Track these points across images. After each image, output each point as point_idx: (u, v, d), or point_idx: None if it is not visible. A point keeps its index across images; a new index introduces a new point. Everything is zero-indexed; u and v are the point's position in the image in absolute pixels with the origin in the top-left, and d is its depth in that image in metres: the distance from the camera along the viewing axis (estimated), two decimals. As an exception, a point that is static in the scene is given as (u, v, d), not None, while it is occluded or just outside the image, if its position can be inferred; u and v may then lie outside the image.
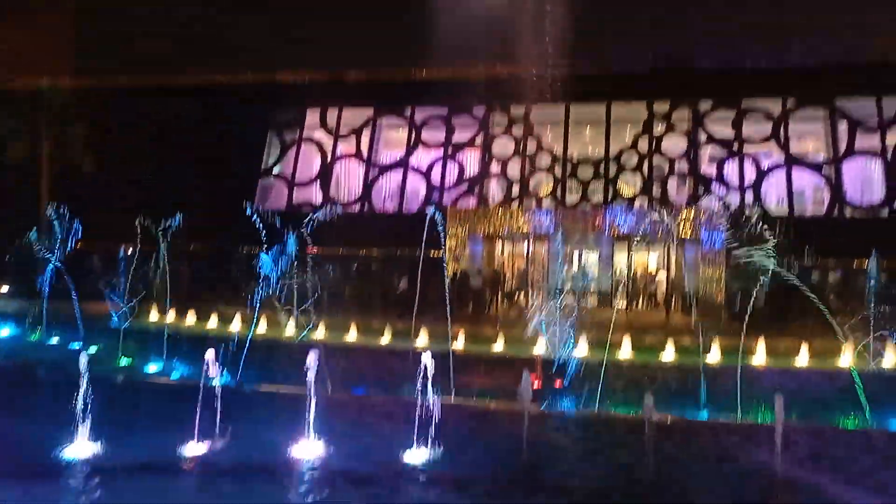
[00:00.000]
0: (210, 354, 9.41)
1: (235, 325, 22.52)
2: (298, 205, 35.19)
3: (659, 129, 32.89)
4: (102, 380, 9.62)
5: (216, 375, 9.45)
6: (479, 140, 34.52)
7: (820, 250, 28.07)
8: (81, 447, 9.28)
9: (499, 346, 20.10)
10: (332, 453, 9.43)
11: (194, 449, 9.41)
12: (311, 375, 9.27)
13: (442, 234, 18.45)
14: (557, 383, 14.42)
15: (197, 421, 9.44)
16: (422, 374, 9.48)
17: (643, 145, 32.71)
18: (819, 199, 33.48)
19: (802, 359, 18.66)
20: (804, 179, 32.31)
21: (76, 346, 18.33)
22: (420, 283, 23.87)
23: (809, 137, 34.18)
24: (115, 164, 33.96)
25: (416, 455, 9.47)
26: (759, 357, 18.62)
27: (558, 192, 32.98)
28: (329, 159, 35.71)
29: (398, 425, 10.02)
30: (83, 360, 9.41)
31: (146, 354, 16.37)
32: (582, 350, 19.61)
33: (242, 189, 34.94)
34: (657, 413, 10.12)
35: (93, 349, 17.50)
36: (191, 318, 23.34)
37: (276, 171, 36.21)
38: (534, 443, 9.93)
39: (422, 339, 20.50)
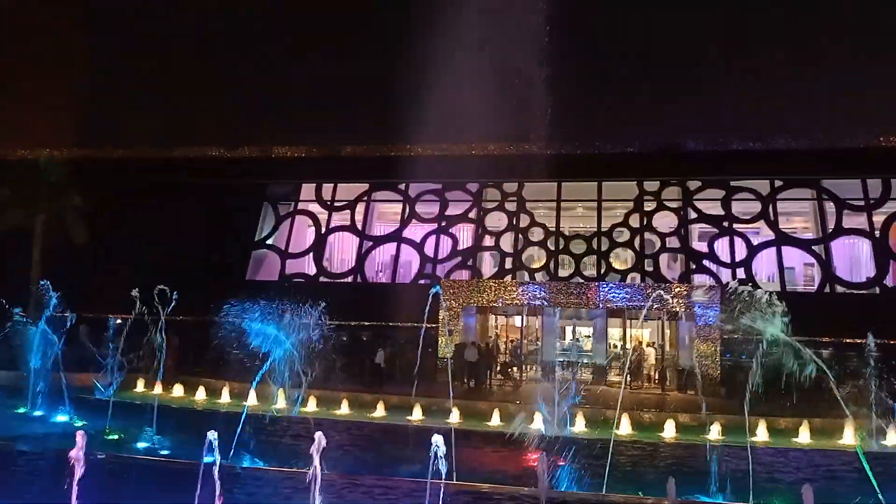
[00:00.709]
0: (213, 435, 9.07)
1: (224, 398, 22.04)
2: (290, 276, 35.14)
3: (649, 206, 33.41)
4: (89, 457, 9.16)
5: (218, 456, 9.08)
6: (472, 214, 34.87)
7: (813, 327, 28.33)
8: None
9: (496, 421, 19.68)
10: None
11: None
12: (316, 457, 8.90)
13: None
14: (560, 461, 14.06)
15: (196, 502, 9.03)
16: (433, 456, 9.09)
17: (634, 222, 33.14)
18: (809, 276, 33.83)
19: (804, 437, 18.42)
20: (794, 257, 32.70)
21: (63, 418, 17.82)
22: (419, 356, 23.77)
23: (798, 217, 34.84)
24: (110, 236, 33.94)
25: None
26: (762, 435, 18.33)
27: (551, 266, 33.11)
28: (323, 231, 35.86)
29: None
30: (80, 439, 8.98)
31: (135, 429, 15.86)
32: (579, 427, 19.31)
33: (236, 261, 35.03)
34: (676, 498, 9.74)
35: (79, 423, 17.03)
36: (178, 391, 22.82)
37: (270, 241, 36.25)
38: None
39: (416, 413, 20.12)
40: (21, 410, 18.82)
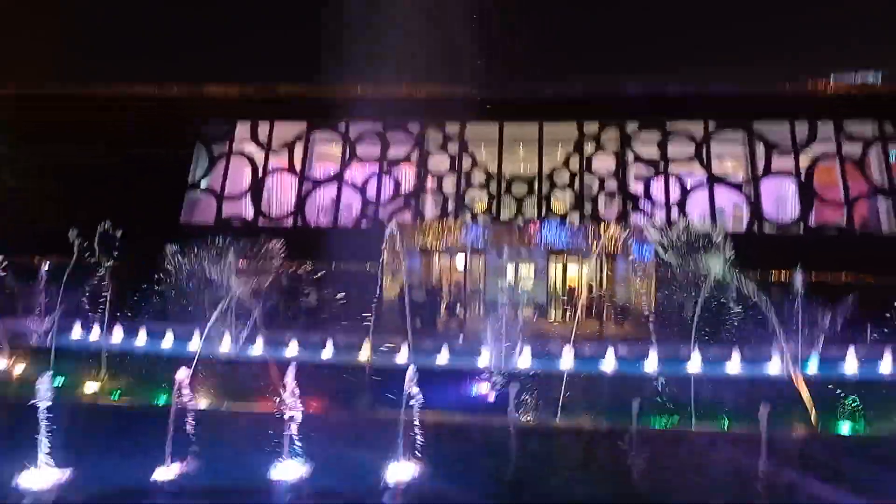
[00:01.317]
0: (182, 374, 8.94)
1: (168, 342, 21.55)
2: (228, 218, 34.29)
3: (589, 148, 33.88)
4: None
5: (188, 396, 8.97)
6: (414, 156, 34.58)
7: (741, 264, 29.71)
8: (43, 474, 8.59)
9: (445, 359, 20.01)
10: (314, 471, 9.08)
11: (166, 473, 8.90)
12: (287, 392, 8.89)
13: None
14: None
15: (168, 444, 8.92)
16: (407, 389, 9.24)
17: (574, 164, 33.60)
18: (738, 217, 35.27)
19: (735, 366, 19.47)
20: (724, 199, 33.93)
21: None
22: (365, 297, 23.72)
23: (729, 159, 36.05)
24: (38, 177, 32.19)
25: (401, 471, 9.24)
26: (695, 364, 19.22)
27: (493, 208, 33.37)
28: (260, 173, 34.94)
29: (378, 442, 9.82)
30: (44, 383, 8.65)
31: (81, 374, 15.39)
32: (525, 361, 19.80)
33: (170, 202, 33.87)
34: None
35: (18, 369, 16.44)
36: (118, 335, 22.18)
37: (203, 184, 35.12)
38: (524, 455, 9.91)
39: (364, 354, 20.20)
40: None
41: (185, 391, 8.90)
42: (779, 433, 11.20)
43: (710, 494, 9.14)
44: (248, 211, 34.71)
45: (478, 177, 34.15)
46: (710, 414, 14.26)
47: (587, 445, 10.97)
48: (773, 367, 19.15)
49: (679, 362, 18.32)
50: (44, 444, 8.60)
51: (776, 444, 10.42)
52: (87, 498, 8.15)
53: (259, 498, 8.24)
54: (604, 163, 33.70)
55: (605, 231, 30.28)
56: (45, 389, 8.52)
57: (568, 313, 30.87)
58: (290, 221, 34.25)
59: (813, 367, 19.09)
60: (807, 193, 32.06)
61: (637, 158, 33.66)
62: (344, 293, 30.38)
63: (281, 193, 36.66)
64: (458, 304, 30.07)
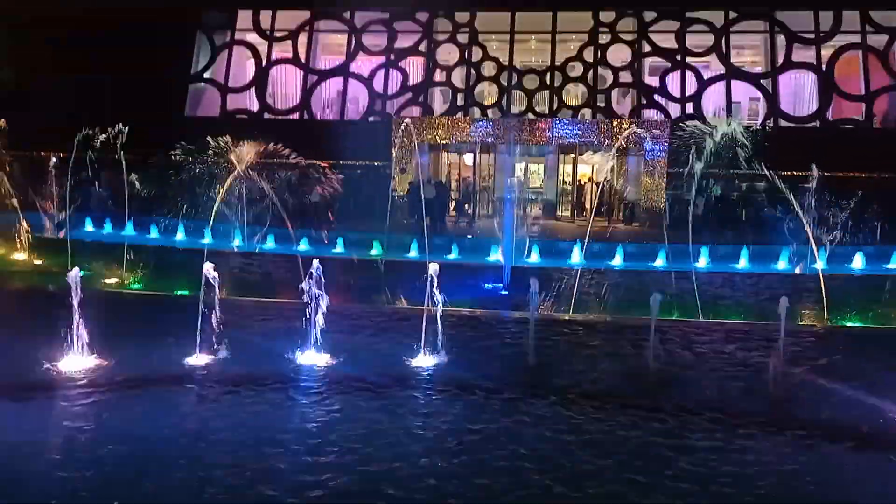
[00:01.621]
0: (209, 267, 9.05)
1: (181, 237, 21.70)
2: (232, 111, 33.66)
3: (604, 38, 32.65)
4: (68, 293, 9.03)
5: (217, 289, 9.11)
6: (422, 47, 33.43)
7: (756, 160, 29.26)
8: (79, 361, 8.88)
9: (455, 255, 20.17)
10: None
11: (199, 360, 9.19)
12: (310, 284, 9.04)
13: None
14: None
15: (198, 332, 9.13)
16: (428, 284, 9.38)
17: (588, 55, 32.49)
18: (754, 111, 34.48)
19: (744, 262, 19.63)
20: (739, 92, 33.00)
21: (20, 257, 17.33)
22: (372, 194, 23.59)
23: (748, 50, 34.80)
24: (38, 73, 31.42)
25: (423, 361, 9.50)
26: (705, 261, 19.39)
27: (503, 102, 32.59)
28: (264, 64, 33.95)
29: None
30: (75, 276, 8.85)
31: (101, 267, 15.58)
32: (535, 257, 19.96)
33: (173, 96, 33.12)
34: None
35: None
36: (130, 229, 22.29)
37: (206, 76, 34.22)
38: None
39: (377, 250, 20.35)
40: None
41: (214, 283, 9.00)
42: (792, 325, 11.46)
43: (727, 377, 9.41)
44: (253, 103, 33.99)
45: (488, 69, 33.11)
46: (720, 308, 14.52)
47: (605, 336, 11.22)
48: (783, 263, 19.33)
49: (689, 260, 18.46)
50: (79, 332, 8.83)
51: (792, 335, 10.71)
52: (125, 381, 8.42)
53: (290, 384, 8.50)
54: (619, 54, 32.55)
55: (617, 126, 29.75)
56: (75, 281, 8.68)
57: (576, 211, 30.87)
58: (295, 115, 33.62)
59: (823, 263, 19.18)
60: (827, 87, 31.14)
61: (654, 50, 32.47)
62: (350, 190, 30.34)
63: (285, 86, 35.78)
64: (468, 201, 30.04)
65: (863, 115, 31.04)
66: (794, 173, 28.05)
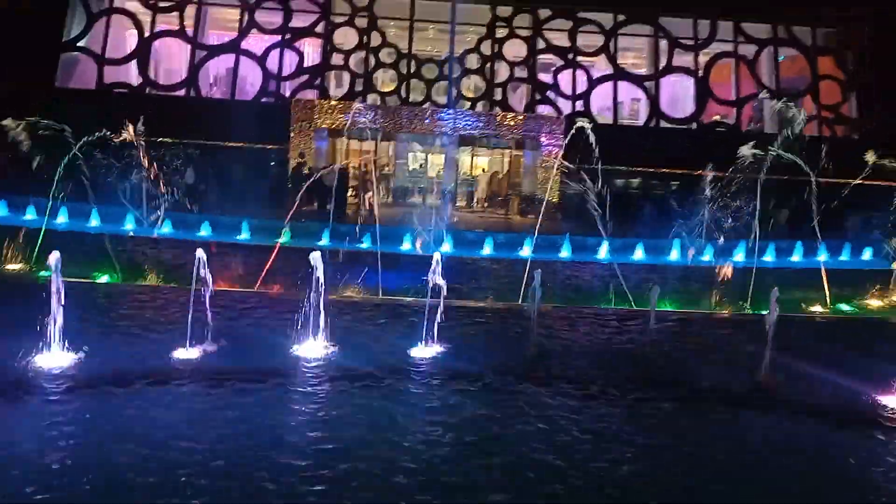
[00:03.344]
0: (201, 253, 8.43)
1: (62, 218, 19.88)
2: (110, 84, 31.28)
3: (501, 32, 33.22)
4: None
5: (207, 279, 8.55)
6: (319, 28, 32.53)
7: (639, 156, 31.00)
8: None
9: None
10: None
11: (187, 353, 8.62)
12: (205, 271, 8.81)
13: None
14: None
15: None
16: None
17: (486, 48, 32.95)
18: (634, 111, 36.38)
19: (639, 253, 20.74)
20: (622, 92, 34.66)
21: None
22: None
23: (630, 53, 36.62)
24: None
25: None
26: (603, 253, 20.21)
27: (402, 91, 32.42)
28: (146, 35, 31.73)
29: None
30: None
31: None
32: (447, 248, 20.03)
33: (41, 64, 30.28)
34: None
35: None
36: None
37: (82, 44, 31.52)
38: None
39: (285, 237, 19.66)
40: None
41: (204, 271, 8.48)
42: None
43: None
44: (134, 77, 31.72)
45: (386, 56, 32.77)
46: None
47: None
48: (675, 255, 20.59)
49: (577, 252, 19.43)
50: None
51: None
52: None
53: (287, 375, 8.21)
54: (515, 49, 33.27)
55: (513, 120, 30.47)
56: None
57: (473, 201, 31.39)
58: (181, 91, 31.74)
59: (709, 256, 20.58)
60: (703, 91, 33.43)
61: (548, 47, 33.45)
62: (237, 173, 29.15)
63: (170, 60, 33.66)
64: (367, 190, 29.62)
65: (733, 118, 33.65)
66: (675, 171, 30.22)
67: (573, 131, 17.71)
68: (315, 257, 9.17)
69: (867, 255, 21.95)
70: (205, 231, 19.38)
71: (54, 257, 8.21)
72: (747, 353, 10.60)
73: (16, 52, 28.67)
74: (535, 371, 9.38)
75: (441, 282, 9.59)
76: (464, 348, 9.98)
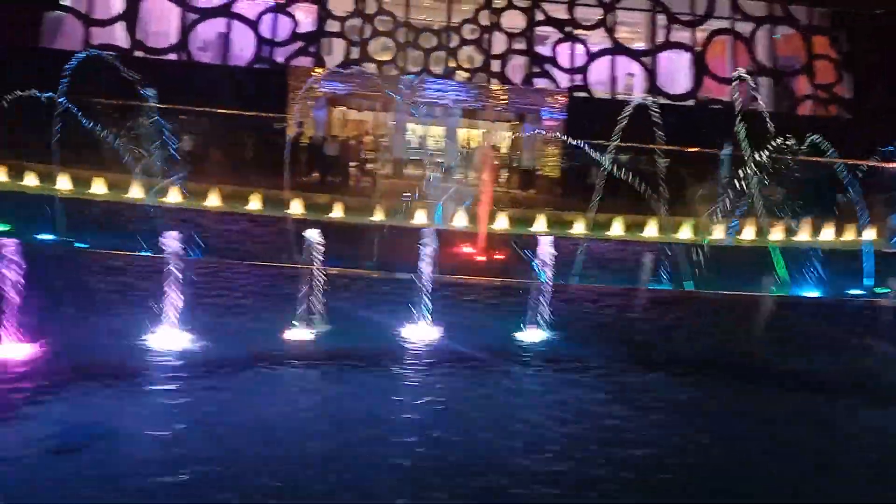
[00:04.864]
0: (312, 234, 8.09)
1: (64, 185, 19.23)
2: (97, 46, 30.06)
3: (499, 3, 32.71)
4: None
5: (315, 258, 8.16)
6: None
7: (635, 132, 30.92)
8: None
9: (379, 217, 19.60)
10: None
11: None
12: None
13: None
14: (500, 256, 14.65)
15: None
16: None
17: (484, 19, 32.44)
18: (628, 86, 36.25)
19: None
20: (617, 67, 34.49)
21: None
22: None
23: (626, 28, 36.39)
24: None
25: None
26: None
27: (399, 60, 31.81)
28: (136, -4, 30.57)
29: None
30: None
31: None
32: (461, 221, 19.83)
33: (24, 23, 28.97)
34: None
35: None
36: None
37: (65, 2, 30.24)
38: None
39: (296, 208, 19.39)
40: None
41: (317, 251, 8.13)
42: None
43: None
44: (123, 39, 30.57)
45: (383, 24, 32.06)
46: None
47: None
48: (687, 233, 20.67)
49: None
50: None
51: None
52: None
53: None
54: (513, 20, 32.81)
55: (512, 93, 30.20)
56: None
57: (469, 174, 31.12)
58: (172, 55, 30.72)
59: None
60: (700, 66, 33.44)
61: (547, 19, 33.05)
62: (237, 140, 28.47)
63: (159, 22, 32.47)
64: (366, 160, 29.26)
65: (729, 96, 33.75)
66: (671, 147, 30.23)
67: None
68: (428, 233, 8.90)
69: None
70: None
71: (171, 238, 7.85)
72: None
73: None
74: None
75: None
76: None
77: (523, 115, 30.08)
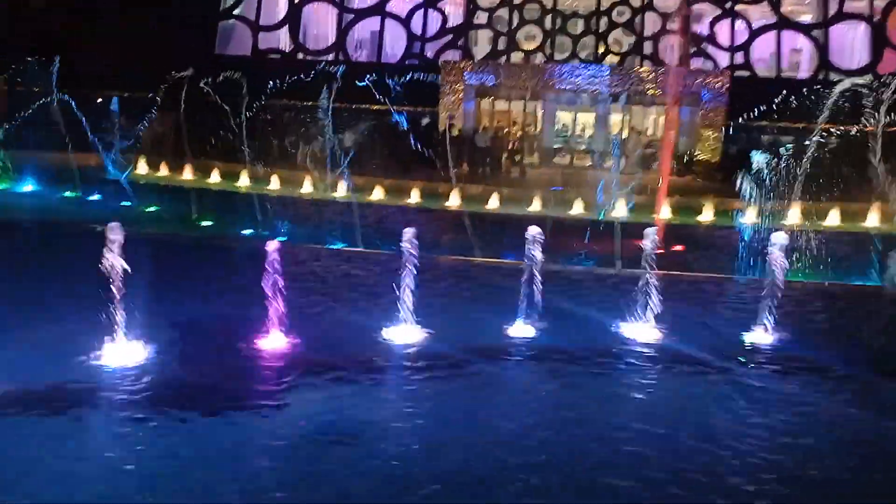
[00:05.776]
0: (535, 231, 8.45)
1: (243, 182, 20.73)
2: (265, 51, 32.21)
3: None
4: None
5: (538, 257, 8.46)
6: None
7: (805, 112, 28.72)
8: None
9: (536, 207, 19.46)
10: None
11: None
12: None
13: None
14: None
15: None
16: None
17: (635, 1, 31.38)
18: (794, 63, 33.71)
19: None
20: (788, 42, 32.18)
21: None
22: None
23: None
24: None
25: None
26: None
27: (547, 48, 31.51)
28: (297, 1, 32.34)
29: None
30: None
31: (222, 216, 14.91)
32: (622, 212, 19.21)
33: (203, 32, 31.50)
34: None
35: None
36: (188, 174, 21.27)
37: (237, 11, 32.54)
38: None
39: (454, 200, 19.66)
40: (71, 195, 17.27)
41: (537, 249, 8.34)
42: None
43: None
44: (286, 43, 32.50)
45: (530, 13, 31.87)
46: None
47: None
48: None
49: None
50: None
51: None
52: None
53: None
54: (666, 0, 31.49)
55: (667, 76, 28.93)
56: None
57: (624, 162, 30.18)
58: (330, 56, 32.22)
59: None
60: (878, 37, 30.47)
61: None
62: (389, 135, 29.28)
63: (318, 25, 34.19)
64: (518, 151, 29.17)
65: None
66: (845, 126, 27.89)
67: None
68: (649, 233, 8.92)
69: None
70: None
71: (409, 234, 8.29)
72: None
73: (177, 23, 29.94)
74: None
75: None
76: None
77: (680, 98, 28.70)
